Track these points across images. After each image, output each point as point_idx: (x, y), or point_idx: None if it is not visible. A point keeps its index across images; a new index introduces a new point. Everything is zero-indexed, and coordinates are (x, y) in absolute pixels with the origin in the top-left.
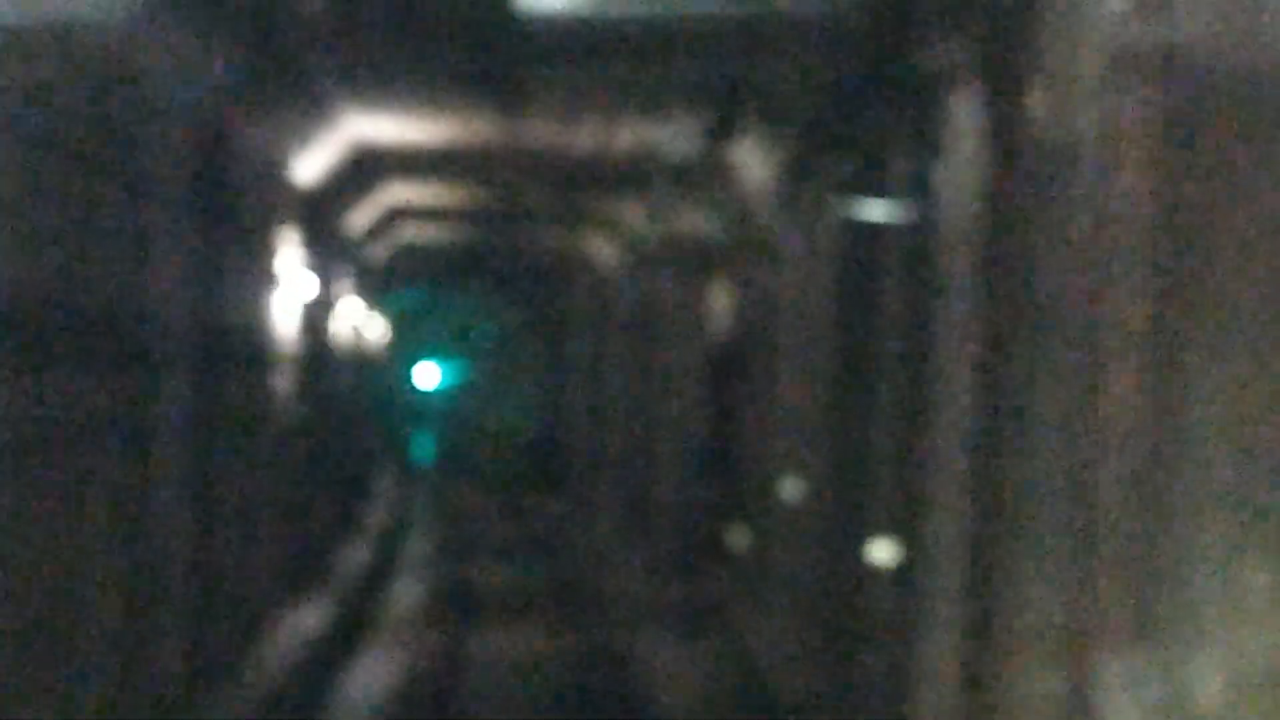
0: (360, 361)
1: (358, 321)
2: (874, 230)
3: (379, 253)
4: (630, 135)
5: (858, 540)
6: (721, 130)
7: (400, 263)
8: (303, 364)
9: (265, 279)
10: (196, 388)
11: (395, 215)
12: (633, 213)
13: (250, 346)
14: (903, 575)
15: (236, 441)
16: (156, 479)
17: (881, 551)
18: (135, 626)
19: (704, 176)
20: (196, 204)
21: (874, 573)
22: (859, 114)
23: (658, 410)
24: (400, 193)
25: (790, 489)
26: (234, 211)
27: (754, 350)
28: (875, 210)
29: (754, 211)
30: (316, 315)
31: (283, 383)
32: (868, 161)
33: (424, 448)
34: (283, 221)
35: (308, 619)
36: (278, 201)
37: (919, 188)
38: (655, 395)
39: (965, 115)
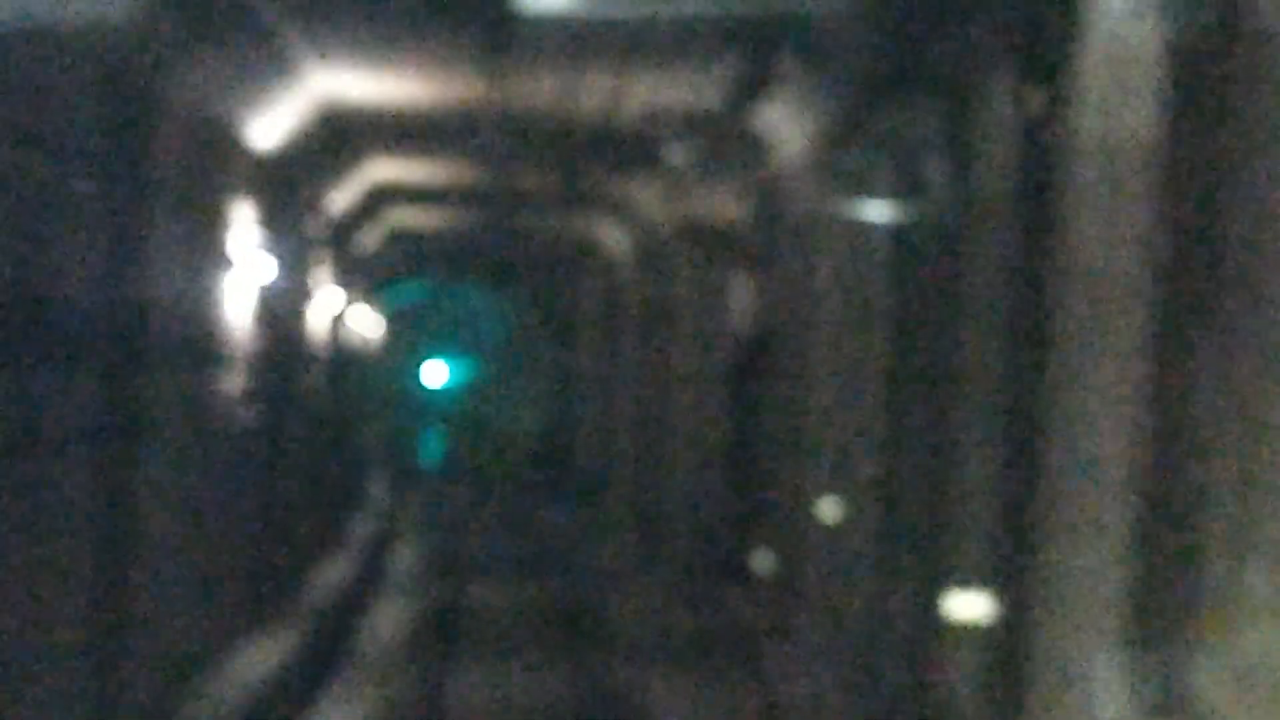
0: (343, 359)
1: (337, 314)
2: (954, 197)
3: (367, 239)
4: (645, 98)
5: (914, 577)
6: (753, 83)
7: (391, 250)
8: (261, 360)
9: (212, 260)
10: (119, 386)
11: (381, 196)
12: (647, 192)
13: (191, 339)
14: (999, 631)
15: (177, 449)
16: (73, 489)
17: (969, 605)
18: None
19: (730, 145)
20: (122, 169)
21: (941, 617)
22: (941, 42)
23: (675, 414)
24: (384, 169)
25: (829, 510)
26: (170, 177)
27: (787, 348)
28: (957, 164)
29: (790, 185)
30: (283, 305)
31: (234, 382)
32: (949, 110)
33: (428, 450)
34: (234, 193)
35: (273, 649)
36: (225, 168)
37: (1029, 134)
38: (673, 397)
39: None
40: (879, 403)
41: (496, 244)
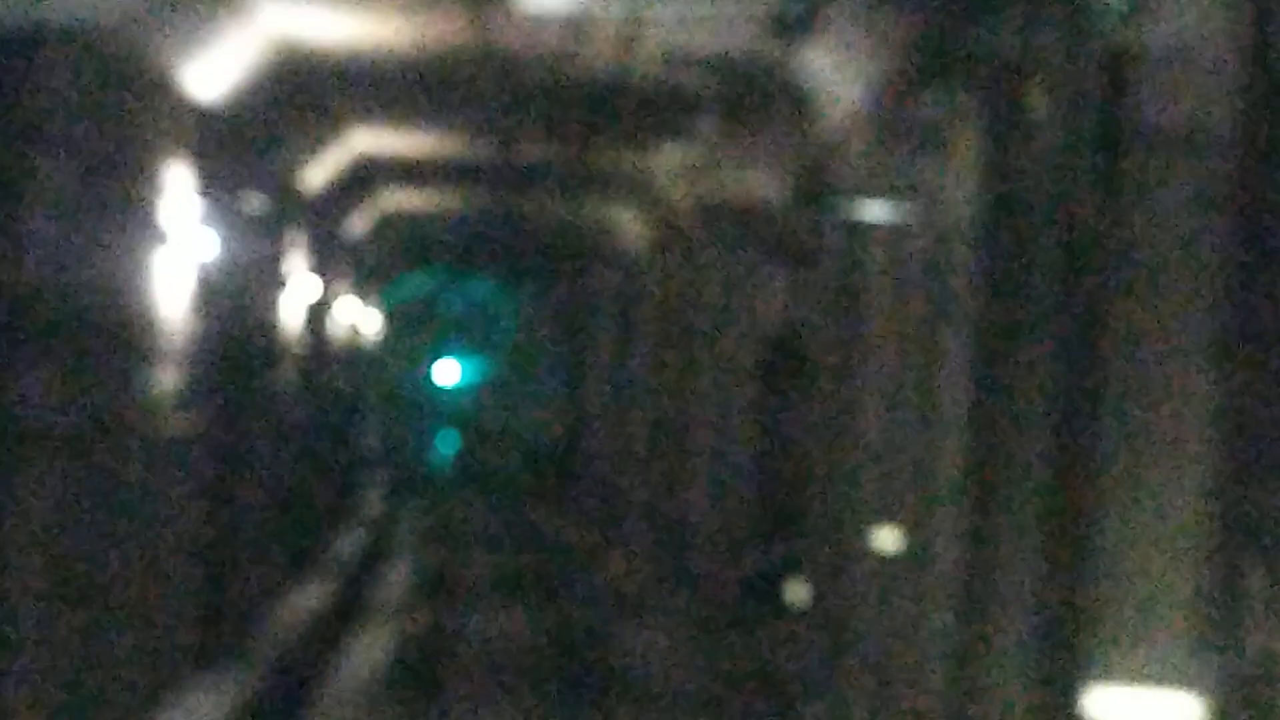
0: (330, 355)
1: (317, 305)
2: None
3: (354, 223)
4: (663, 53)
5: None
6: (796, 22)
7: (381, 237)
8: (207, 355)
9: (146, 234)
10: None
11: (369, 172)
12: (667, 166)
13: (102, 326)
14: None
15: (124, 455)
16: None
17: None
18: None
19: (766, 103)
20: (30, 124)
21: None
22: None
23: (701, 421)
24: (371, 140)
25: (886, 539)
26: (80, 130)
27: (825, 347)
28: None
29: (836, 153)
30: (237, 291)
31: (167, 380)
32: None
33: (437, 454)
34: (166, 152)
35: (228, 688)
36: (154, 120)
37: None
38: (698, 401)
39: None
40: (957, 417)
41: (503, 230)
